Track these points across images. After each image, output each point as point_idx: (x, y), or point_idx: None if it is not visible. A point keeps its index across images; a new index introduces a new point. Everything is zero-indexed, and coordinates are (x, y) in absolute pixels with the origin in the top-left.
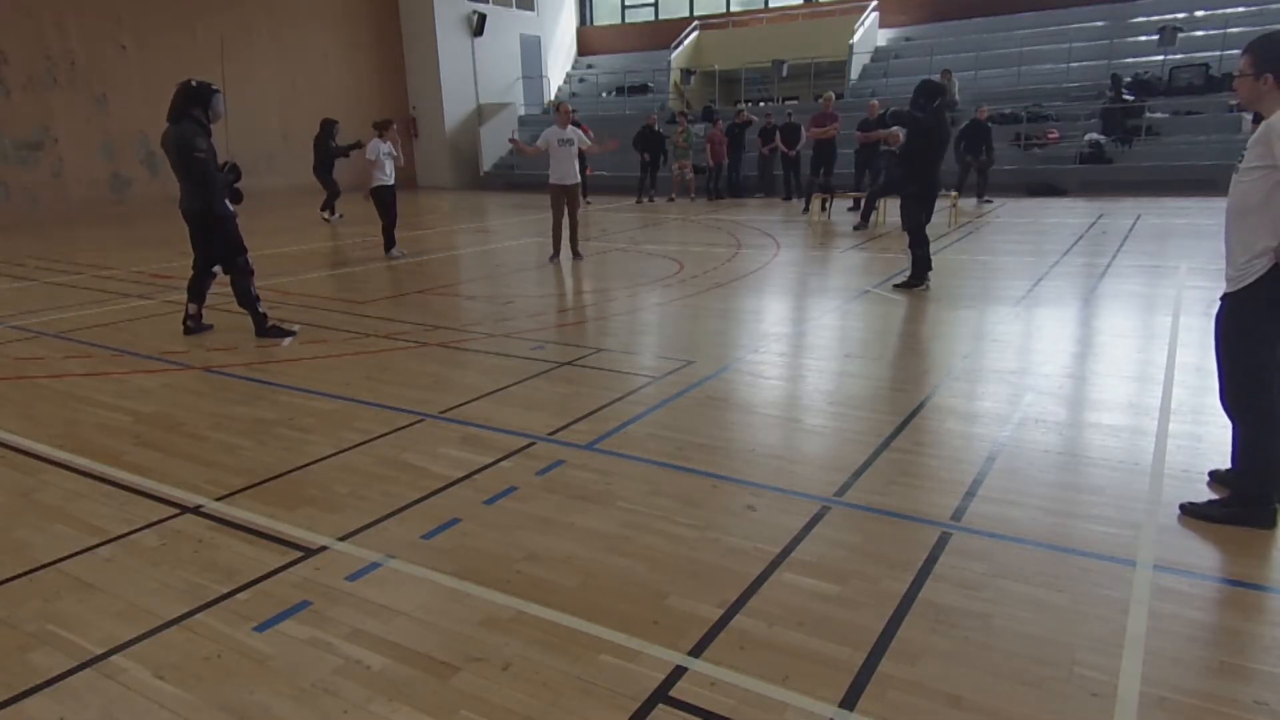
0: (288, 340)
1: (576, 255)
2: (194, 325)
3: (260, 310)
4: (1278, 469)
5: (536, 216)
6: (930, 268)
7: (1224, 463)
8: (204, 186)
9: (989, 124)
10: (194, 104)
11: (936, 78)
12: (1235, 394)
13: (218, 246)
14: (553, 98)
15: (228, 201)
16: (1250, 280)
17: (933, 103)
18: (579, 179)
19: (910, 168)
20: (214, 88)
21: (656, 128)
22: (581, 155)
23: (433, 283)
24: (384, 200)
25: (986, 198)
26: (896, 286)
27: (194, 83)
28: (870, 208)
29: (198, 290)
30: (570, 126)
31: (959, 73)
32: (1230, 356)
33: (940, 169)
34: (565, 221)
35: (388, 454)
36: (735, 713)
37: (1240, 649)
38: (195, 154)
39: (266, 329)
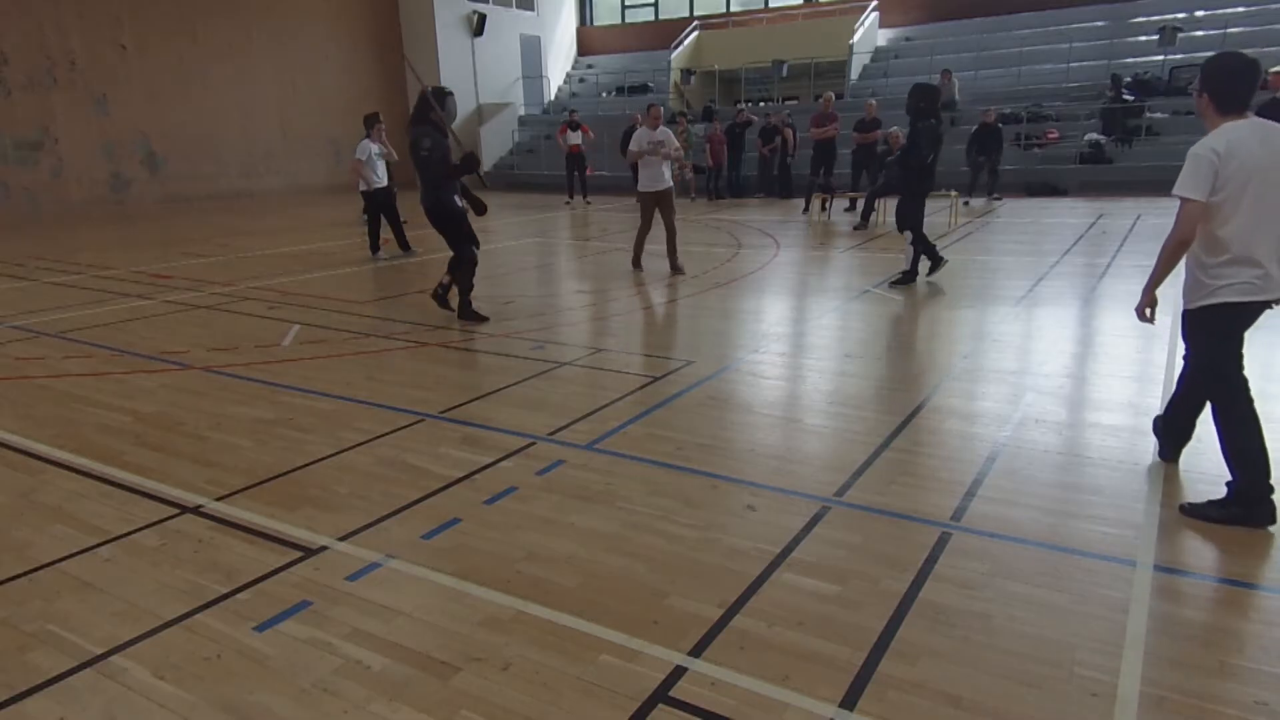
0: (288, 339)
1: (676, 270)
2: (440, 295)
3: (444, 290)
4: (1265, 464)
5: (537, 216)
6: (917, 271)
7: (1223, 465)
8: (429, 183)
9: (999, 126)
10: (430, 108)
11: (936, 79)
12: (1213, 402)
13: (448, 236)
14: (552, 97)
15: (457, 198)
16: (1195, 305)
17: (936, 105)
18: (670, 183)
19: (924, 168)
20: (447, 91)
21: (639, 127)
22: (581, 155)
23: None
24: (376, 203)
25: (996, 194)
26: (894, 284)
27: (430, 89)
28: (870, 208)
29: (454, 264)
30: (661, 128)
31: (959, 73)
32: (1199, 370)
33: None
34: (653, 231)
35: (388, 454)
36: (735, 713)
37: (1240, 649)
38: (420, 152)
39: (470, 313)
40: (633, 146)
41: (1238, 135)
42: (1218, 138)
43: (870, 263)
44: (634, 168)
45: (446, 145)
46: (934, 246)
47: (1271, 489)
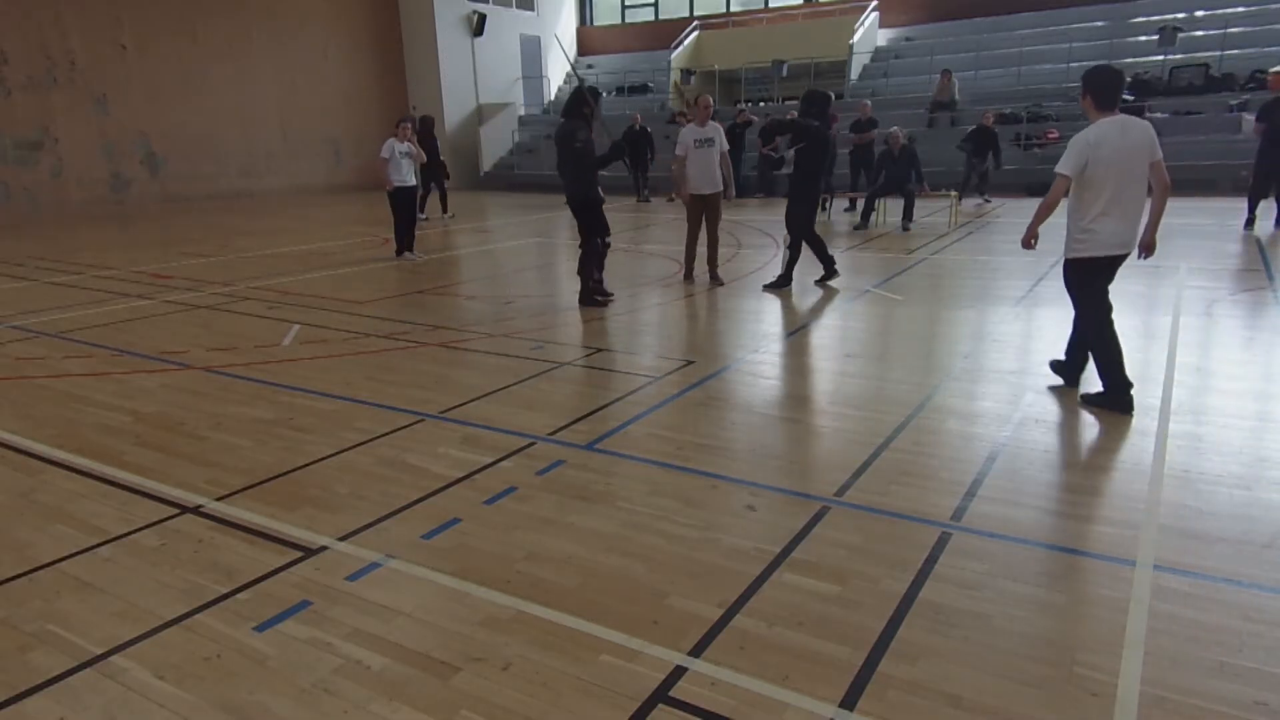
0: (288, 339)
1: (715, 279)
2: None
3: (592, 284)
4: (1121, 371)
5: (536, 216)
6: (834, 262)
7: (1224, 465)
8: (579, 173)
9: (995, 129)
10: (583, 103)
11: (937, 79)
12: (1085, 326)
13: (587, 227)
14: (552, 97)
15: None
16: (1072, 256)
17: (825, 112)
18: (719, 186)
19: (810, 174)
20: (599, 90)
21: (638, 127)
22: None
23: (433, 283)
24: (400, 201)
25: (986, 197)
26: (767, 287)
27: (583, 84)
28: (869, 208)
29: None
30: (711, 124)
31: (959, 73)
32: (1075, 303)
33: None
34: (701, 236)
35: (388, 454)
36: (735, 713)
37: (1240, 649)
38: (574, 144)
39: (592, 299)
40: (679, 150)
41: (1108, 128)
42: (1092, 130)
43: (870, 263)
44: (631, 165)
45: (593, 141)
46: (815, 254)
47: (1129, 386)
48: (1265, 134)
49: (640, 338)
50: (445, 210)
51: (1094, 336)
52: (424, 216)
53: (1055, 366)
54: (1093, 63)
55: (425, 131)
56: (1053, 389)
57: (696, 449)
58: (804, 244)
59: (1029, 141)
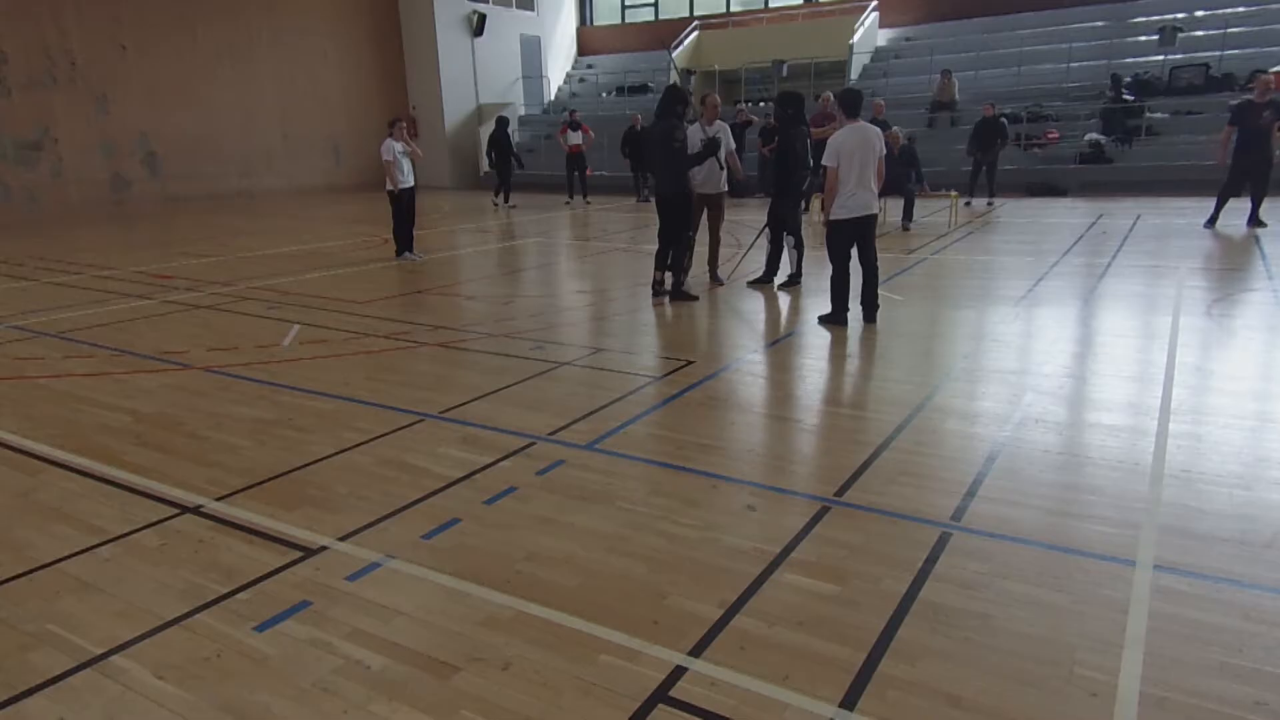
0: (288, 339)
1: (715, 279)
2: (658, 289)
3: (682, 277)
4: (845, 298)
5: (537, 216)
6: (778, 269)
7: (1224, 465)
8: (679, 172)
9: (1002, 119)
10: (677, 102)
11: (937, 79)
12: (835, 266)
13: (676, 222)
14: (552, 97)
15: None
16: (834, 218)
17: (793, 112)
18: (723, 186)
19: (799, 172)
20: (689, 90)
21: (638, 128)
22: (581, 155)
23: (433, 283)
24: (403, 202)
25: (990, 199)
26: (781, 287)
27: (677, 85)
28: None
29: (663, 259)
30: (718, 122)
31: (959, 73)
32: (830, 248)
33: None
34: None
35: (388, 454)
36: (735, 713)
37: (1240, 649)
38: (674, 143)
39: (681, 292)
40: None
41: (851, 130)
42: (841, 132)
43: None
44: (632, 166)
45: (688, 139)
46: (769, 252)
47: (847, 309)
48: (1239, 136)
49: (640, 338)
50: (506, 200)
51: (836, 274)
52: (513, 205)
53: (864, 314)
54: (1093, 62)
55: (500, 131)
56: (1053, 391)
57: (696, 449)
58: (798, 236)
59: (1029, 141)
